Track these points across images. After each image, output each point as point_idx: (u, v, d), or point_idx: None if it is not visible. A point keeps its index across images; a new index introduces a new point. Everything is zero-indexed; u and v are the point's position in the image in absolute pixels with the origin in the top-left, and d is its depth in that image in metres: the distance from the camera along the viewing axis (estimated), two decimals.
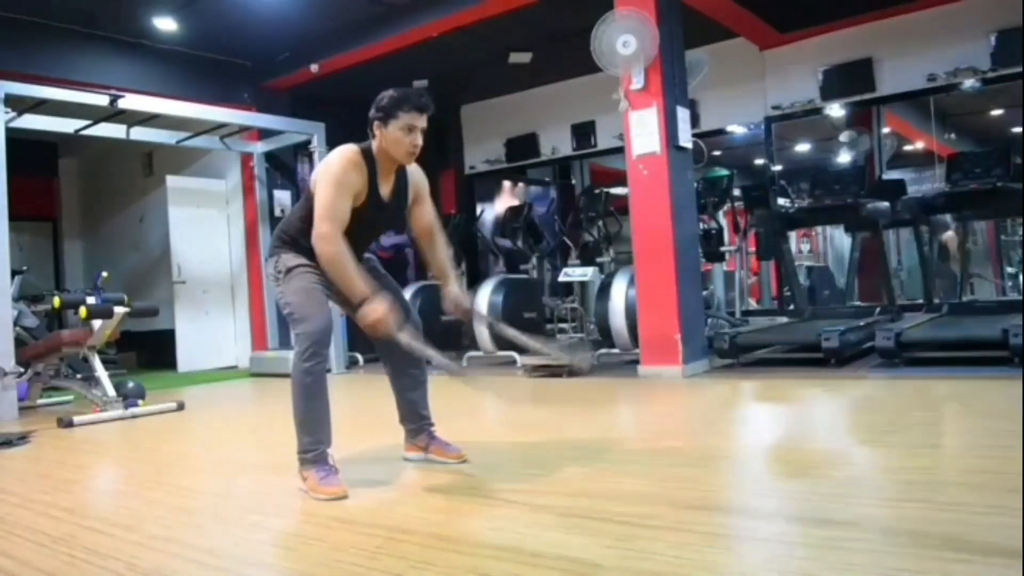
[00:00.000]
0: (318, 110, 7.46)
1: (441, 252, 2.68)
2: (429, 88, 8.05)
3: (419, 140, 2.44)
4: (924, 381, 4.05)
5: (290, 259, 2.47)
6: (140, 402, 4.60)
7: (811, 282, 7.31)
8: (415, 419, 2.70)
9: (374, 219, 2.51)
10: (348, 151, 2.40)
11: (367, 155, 2.43)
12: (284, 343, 7.34)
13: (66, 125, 6.21)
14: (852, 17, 6.39)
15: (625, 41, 4.78)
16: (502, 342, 6.12)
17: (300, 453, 2.43)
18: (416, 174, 2.63)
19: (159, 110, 6.11)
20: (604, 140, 7.97)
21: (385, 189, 2.49)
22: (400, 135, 2.40)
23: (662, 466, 2.57)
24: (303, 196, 2.52)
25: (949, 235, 6.94)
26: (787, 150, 7.96)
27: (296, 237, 2.48)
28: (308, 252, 2.44)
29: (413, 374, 2.67)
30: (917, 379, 4.10)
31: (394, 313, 2.29)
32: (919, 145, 7.68)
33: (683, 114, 5.00)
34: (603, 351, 5.71)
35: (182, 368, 7.36)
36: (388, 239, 8.02)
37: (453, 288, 2.62)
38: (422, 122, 2.44)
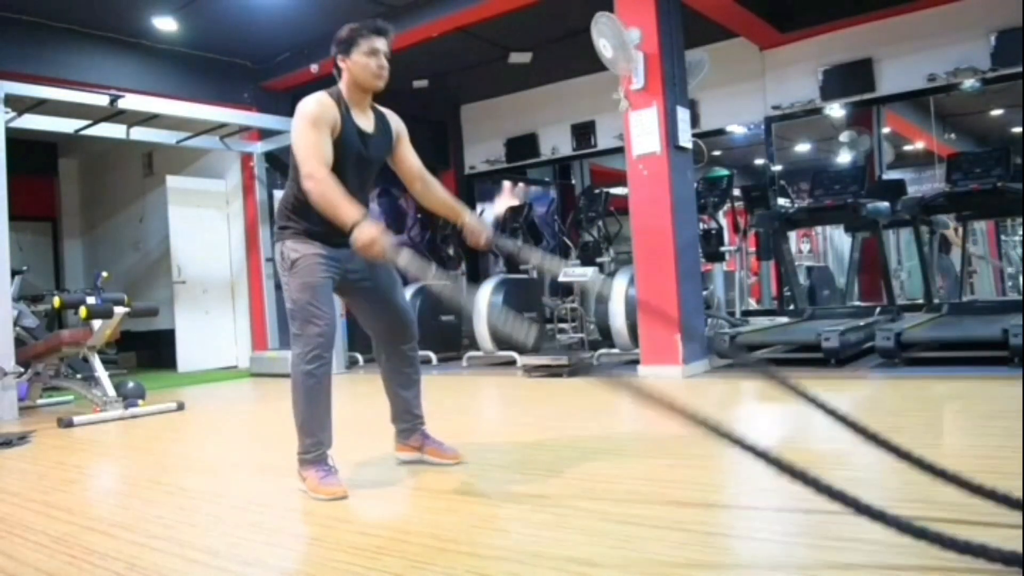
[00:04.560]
0: None
1: (440, 190, 2.65)
2: (429, 88, 8.07)
3: (384, 62, 2.44)
4: (924, 381, 4.05)
5: (294, 247, 2.41)
6: (140, 402, 4.60)
7: (811, 282, 7.30)
8: (408, 418, 2.67)
9: (362, 154, 2.44)
10: (314, 95, 2.40)
11: (335, 96, 2.42)
12: (284, 343, 7.34)
13: (66, 125, 6.21)
14: (852, 17, 6.39)
15: (604, 44, 4.79)
16: (502, 342, 6.13)
17: (300, 454, 2.43)
18: (393, 115, 2.61)
19: (159, 110, 6.12)
20: (604, 140, 7.97)
21: (363, 122, 2.46)
22: (364, 59, 2.41)
23: (661, 466, 2.57)
24: (291, 166, 2.46)
25: (948, 231, 6.95)
26: (787, 150, 7.96)
27: (296, 212, 2.42)
28: (310, 230, 2.39)
29: (407, 372, 2.65)
30: (917, 379, 4.10)
31: (386, 237, 2.18)
32: (919, 145, 7.68)
33: (683, 114, 5.00)
34: (603, 351, 5.71)
35: (182, 368, 7.35)
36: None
37: (470, 219, 2.56)
38: (383, 44, 2.44)
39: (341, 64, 2.45)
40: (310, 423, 2.41)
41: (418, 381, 2.69)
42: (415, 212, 8.58)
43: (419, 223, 8.25)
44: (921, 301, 6.06)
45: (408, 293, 6.83)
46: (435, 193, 2.64)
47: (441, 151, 8.82)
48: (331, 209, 2.21)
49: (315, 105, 2.35)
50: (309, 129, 2.30)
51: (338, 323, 2.49)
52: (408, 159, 2.62)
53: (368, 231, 2.13)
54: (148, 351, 8.35)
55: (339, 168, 2.33)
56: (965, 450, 2.65)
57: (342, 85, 2.46)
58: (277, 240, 2.49)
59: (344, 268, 2.47)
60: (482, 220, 2.64)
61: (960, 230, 6.26)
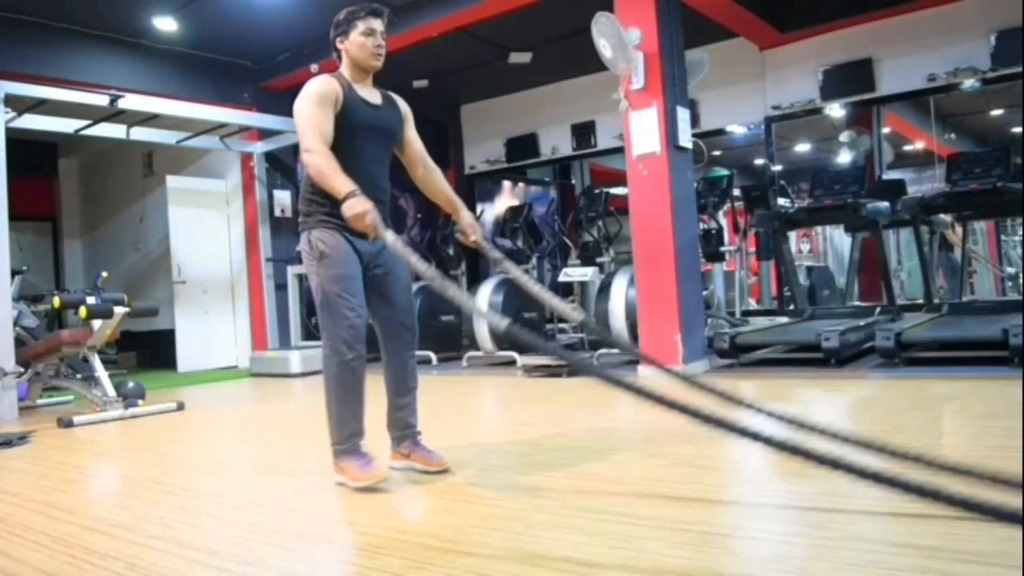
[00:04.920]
0: None
1: (440, 179, 2.70)
2: (429, 88, 8.07)
3: (380, 42, 2.48)
4: (924, 381, 4.05)
5: (322, 238, 2.39)
6: (140, 402, 4.60)
7: (811, 282, 7.30)
8: (400, 426, 2.65)
9: (372, 122, 2.47)
10: (317, 77, 2.44)
11: (337, 76, 2.47)
12: (284, 343, 7.34)
13: (66, 125, 6.22)
14: (852, 17, 6.39)
15: (603, 44, 4.79)
16: (502, 341, 6.13)
17: (335, 445, 2.44)
18: (398, 97, 2.65)
19: (159, 110, 6.12)
20: (604, 140, 7.97)
21: (368, 95, 2.50)
22: (362, 39, 2.45)
23: (661, 466, 2.57)
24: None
25: (948, 231, 6.96)
26: (787, 150, 7.96)
27: (316, 194, 2.41)
28: (333, 213, 2.36)
29: (405, 379, 2.63)
30: (917, 379, 4.10)
31: (375, 212, 2.19)
32: (919, 145, 7.68)
33: (683, 114, 5.00)
34: (603, 351, 5.71)
35: (182, 368, 7.36)
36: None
37: (465, 216, 2.63)
38: (379, 25, 2.48)
39: (340, 46, 2.50)
40: (345, 415, 2.42)
41: (415, 389, 2.67)
42: (415, 211, 8.58)
43: (419, 223, 8.25)
44: (921, 301, 6.06)
45: None
46: (436, 181, 2.69)
47: (441, 151, 8.81)
48: (325, 181, 2.26)
49: (317, 83, 2.40)
50: (311, 105, 2.34)
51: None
52: (413, 142, 2.66)
53: (359, 203, 2.16)
54: (148, 351, 8.35)
55: (352, 138, 2.37)
56: (965, 450, 2.65)
57: (343, 68, 2.51)
58: (303, 230, 2.47)
59: (367, 263, 2.48)
60: (476, 221, 2.68)
61: (960, 230, 6.26)
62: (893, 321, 5.18)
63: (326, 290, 2.38)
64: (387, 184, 2.58)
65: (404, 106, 2.64)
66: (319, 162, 2.26)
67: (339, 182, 2.22)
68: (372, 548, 1.85)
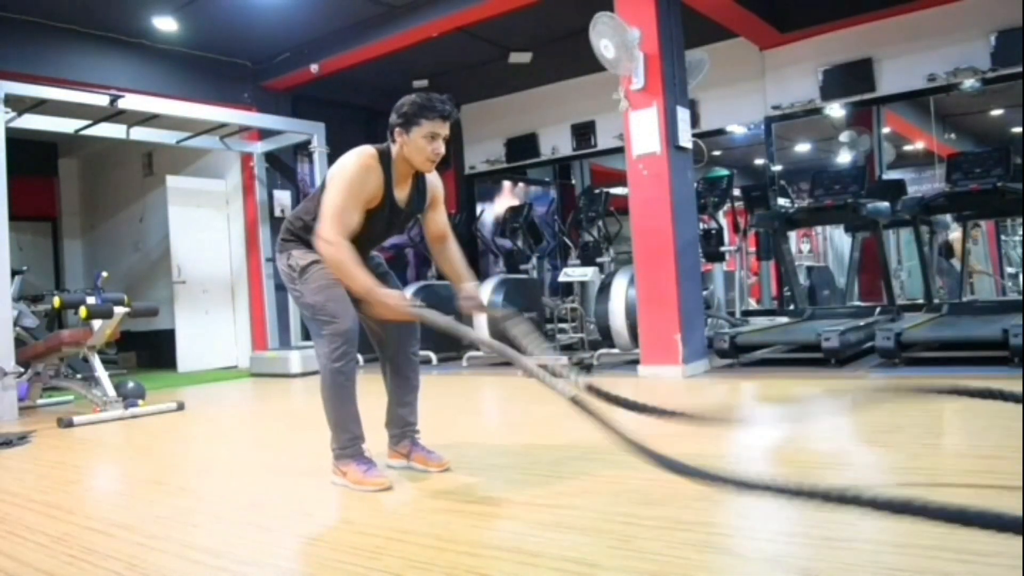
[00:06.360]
0: (318, 110, 7.46)
1: (455, 256, 2.67)
2: (429, 88, 8.07)
3: (441, 148, 2.39)
4: (924, 381, 4.05)
5: (303, 256, 2.42)
6: (140, 402, 4.61)
7: (811, 282, 7.30)
8: (400, 424, 2.65)
9: (388, 222, 2.48)
10: (365, 153, 2.36)
11: (384, 158, 2.38)
12: (284, 343, 7.34)
13: (66, 125, 6.22)
14: (852, 17, 6.39)
15: (605, 45, 4.79)
16: (502, 341, 6.12)
17: (337, 449, 2.45)
18: (434, 179, 2.59)
19: (159, 110, 6.12)
20: (604, 140, 7.97)
21: (401, 194, 2.46)
22: (422, 143, 2.35)
23: None
24: (317, 190, 2.46)
25: (955, 235, 6.95)
26: (787, 150, 7.96)
27: (307, 231, 2.43)
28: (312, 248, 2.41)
29: (409, 377, 2.64)
30: (917, 379, 4.09)
31: (401, 299, 2.24)
32: (919, 145, 7.68)
33: (683, 114, 5.00)
34: (603, 351, 5.71)
35: (182, 368, 7.36)
36: (388, 240, 8.03)
37: (467, 286, 2.60)
38: (445, 130, 2.38)
39: (397, 137, 2.38)
40: (345, 419, 2.43)
41: (417, 387, 2.68)
42: None
43: (418, 223, 8.28)
44: (921, 301, 6.06)
45: (408, 293, 6.84)
46: (451, 256, 2.67)
47: None
48: (344, 277, 2.27)
49: (361, 170, 2.33)
50: (344, 193, 2.30)
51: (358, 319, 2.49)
52: (436, 221, 2.64)
53: (388, 296, 2.19)
54: (148, 351, 8.35)
55: (367, 226, 2.38)
56: (965, 450, 2.65)
57: (393, 151, 2.41)
58: (281, 251, 2.49)
59: None
60: (477, 291, 2.68)
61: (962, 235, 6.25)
62: (893, 321, 5.18)
63: (312, 303, 2.39)
64: (376, 249, 2.68)
65: (433, 191, 2.58)
66: (340, 260, 2.25)
67: (359, 281, 2.23)
68: (372, 548, 1.85)
